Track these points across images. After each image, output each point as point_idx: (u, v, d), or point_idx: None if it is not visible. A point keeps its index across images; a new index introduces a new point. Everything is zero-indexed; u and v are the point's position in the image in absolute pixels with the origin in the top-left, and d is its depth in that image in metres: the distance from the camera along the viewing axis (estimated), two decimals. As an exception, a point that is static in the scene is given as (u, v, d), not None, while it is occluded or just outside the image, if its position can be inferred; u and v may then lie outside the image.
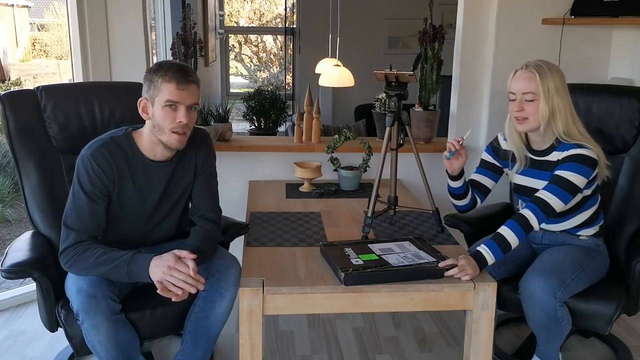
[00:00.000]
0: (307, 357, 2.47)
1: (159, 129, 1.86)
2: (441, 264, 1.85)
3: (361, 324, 2.74)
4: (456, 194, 2.23)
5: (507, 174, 2.27)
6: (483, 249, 1.91)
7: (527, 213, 1.96)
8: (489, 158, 2.29)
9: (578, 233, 2.17)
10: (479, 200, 2.29)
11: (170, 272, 1.73)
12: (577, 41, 3.01)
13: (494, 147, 2.28)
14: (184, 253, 1.79)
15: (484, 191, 2.29)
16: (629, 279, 2.12)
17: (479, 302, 1.84)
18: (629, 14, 2.81)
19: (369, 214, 2.18)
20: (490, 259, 1.90)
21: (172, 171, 1.99)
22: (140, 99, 1.89)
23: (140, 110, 1.89)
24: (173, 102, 1.82)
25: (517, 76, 2.05)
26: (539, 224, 1.96)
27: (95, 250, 1.80)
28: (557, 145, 2.06)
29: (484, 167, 2.29)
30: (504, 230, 1.95)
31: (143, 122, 1.94)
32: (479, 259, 1.89)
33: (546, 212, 1.96)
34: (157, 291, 1.74)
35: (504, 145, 2.24)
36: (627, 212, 2.34)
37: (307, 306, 1.84)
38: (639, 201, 2.33)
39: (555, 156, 2.06)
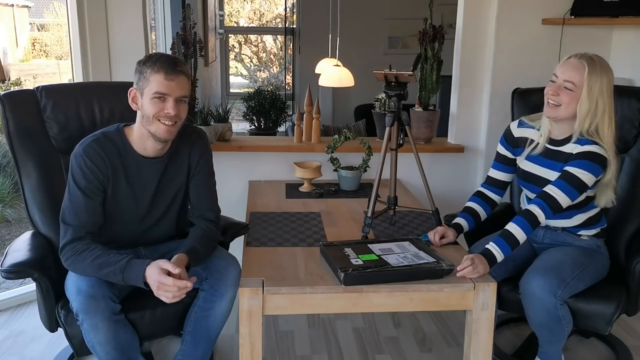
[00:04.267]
0: (307, 357, 2.47)
1: (147, 119, 1.86)
2: (459, 267, 1.86)
3: (361, 324, 2.74)
4: (473, 228, 2.25)
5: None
6: (492, 247, 1.92)
7: (533, 208, 1.97)
8: (503, 150, 2.27)
9: (579, 233, 2.17)
10: (496, 199, 2.30)
11: (162, 288, 1.72)
12: (577, 41, 3.01)
13: (507, 137, 2.26)
14: (166, 265, 1.74)
15: (502, 186, 2.29)
16: (629, 279, 2.12)
17: (479, 302, 1.84)
18: (629, 14, 2.81)
19: (369, 214, 2.17)
20: (499, 256, 1.92)
21: (164, 168, 1.98)
22: (130, 89, 1.89)
23: (130, 100, 1.89)
24: (161, 94, 1.81)
25: (567, 62, 2.02)
26: (545, 219, 1.97)
27: (92, 252, 1.80)
28: (576, 138, 2.04)
29: (500, 162, 2.28)
30: (511, 227, 1.96)
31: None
32: (489, 256, 1.90)
33: (553, 208, 1.97)
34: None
35: (516, 132, 2.22)
36: (627, 212, 2.33)
37: (307, 306, 1.84)
38: (639, 201, 2.33)
39: (570, 148, 2.05)
